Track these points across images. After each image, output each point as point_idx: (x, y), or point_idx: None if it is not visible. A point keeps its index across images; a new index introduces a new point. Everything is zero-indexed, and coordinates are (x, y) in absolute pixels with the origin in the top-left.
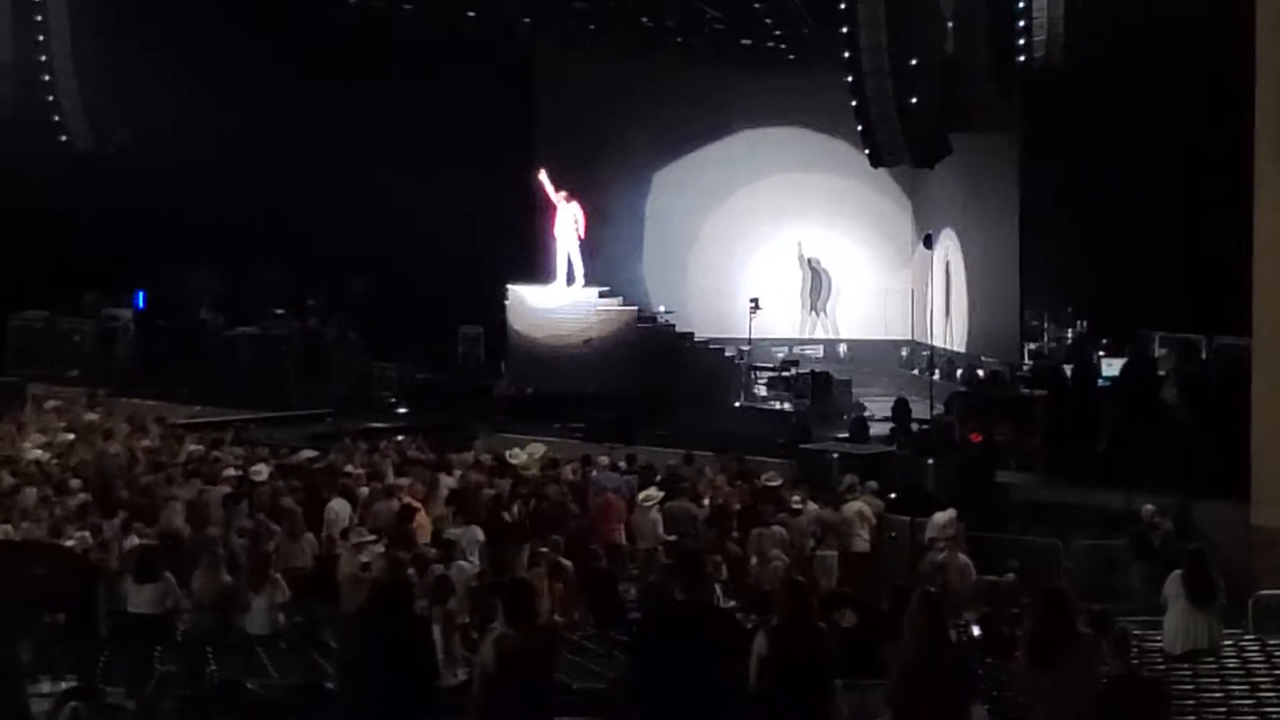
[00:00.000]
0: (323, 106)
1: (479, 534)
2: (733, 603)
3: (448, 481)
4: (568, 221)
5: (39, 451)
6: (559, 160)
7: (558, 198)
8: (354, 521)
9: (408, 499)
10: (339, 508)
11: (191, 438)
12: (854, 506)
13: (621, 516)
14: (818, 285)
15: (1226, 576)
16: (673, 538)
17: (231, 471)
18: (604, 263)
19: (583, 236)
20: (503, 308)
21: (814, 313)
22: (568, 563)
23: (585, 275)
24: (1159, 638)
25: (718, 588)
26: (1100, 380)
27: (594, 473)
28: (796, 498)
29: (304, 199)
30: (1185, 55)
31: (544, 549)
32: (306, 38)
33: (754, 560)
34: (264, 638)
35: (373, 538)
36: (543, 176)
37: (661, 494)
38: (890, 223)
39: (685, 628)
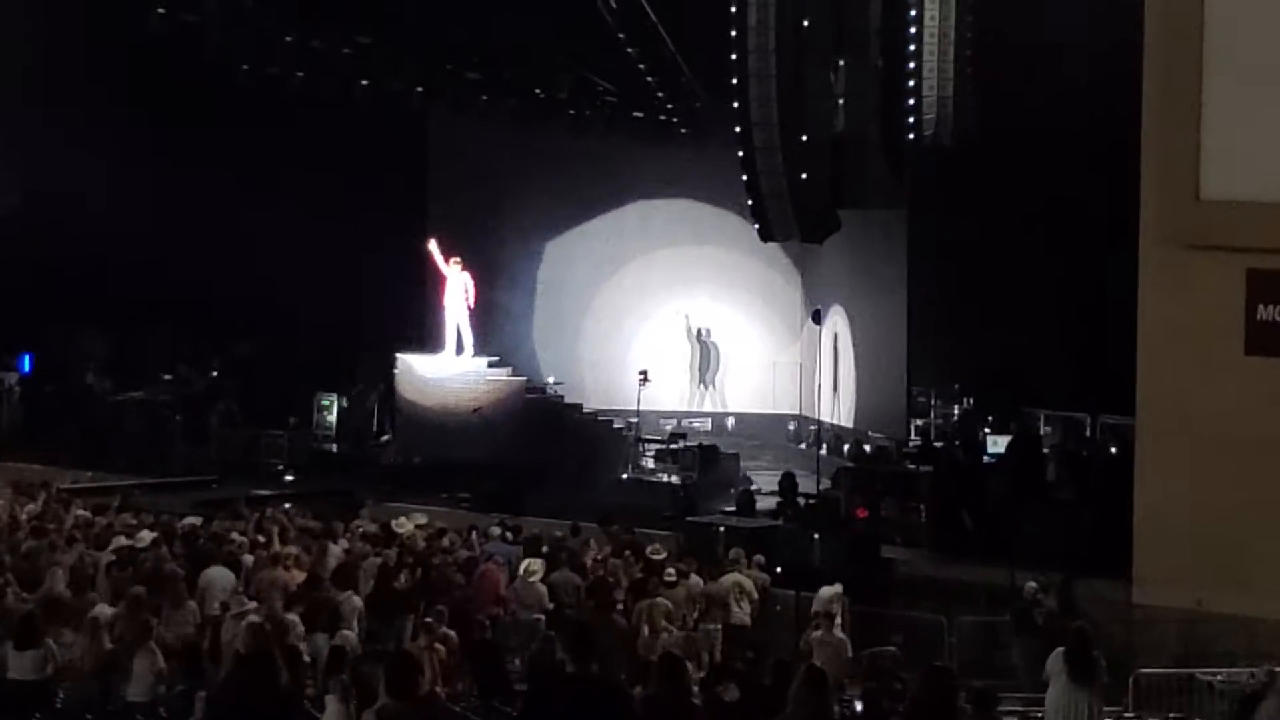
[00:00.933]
0: (215, 173)
1: (358, 603)
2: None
3: (335, 550)
4: (457, 290)
5: None
6: (450, 229)
7: (448, 267)
8: (237, 590)
9: (293, 569)
10: (216, 575)
11: (76, 503)
12: (732, 578)
13: (502, 587)
14: (706, 358)
15: (1108, 654)
16: (551, 607)
17: (123, 540)
18: (494, 333)
19: (472, 306)
20: (391, 375)
21: (702, 386)
22: (451, 632)
23: (475, 345)
24: (1040, 715)
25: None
26: (986, 457)
27: (485, 544)
28: (670, 570)
29: (194, 265)
30: (1074, 136)
31: (428, 619)
32: (202, 105)
33: (645, 632)
34: (144, 705)
35: (253, 605)
36: (433, 245)
37: (544, 564)
38: (779, 297)
39: (574, 700)
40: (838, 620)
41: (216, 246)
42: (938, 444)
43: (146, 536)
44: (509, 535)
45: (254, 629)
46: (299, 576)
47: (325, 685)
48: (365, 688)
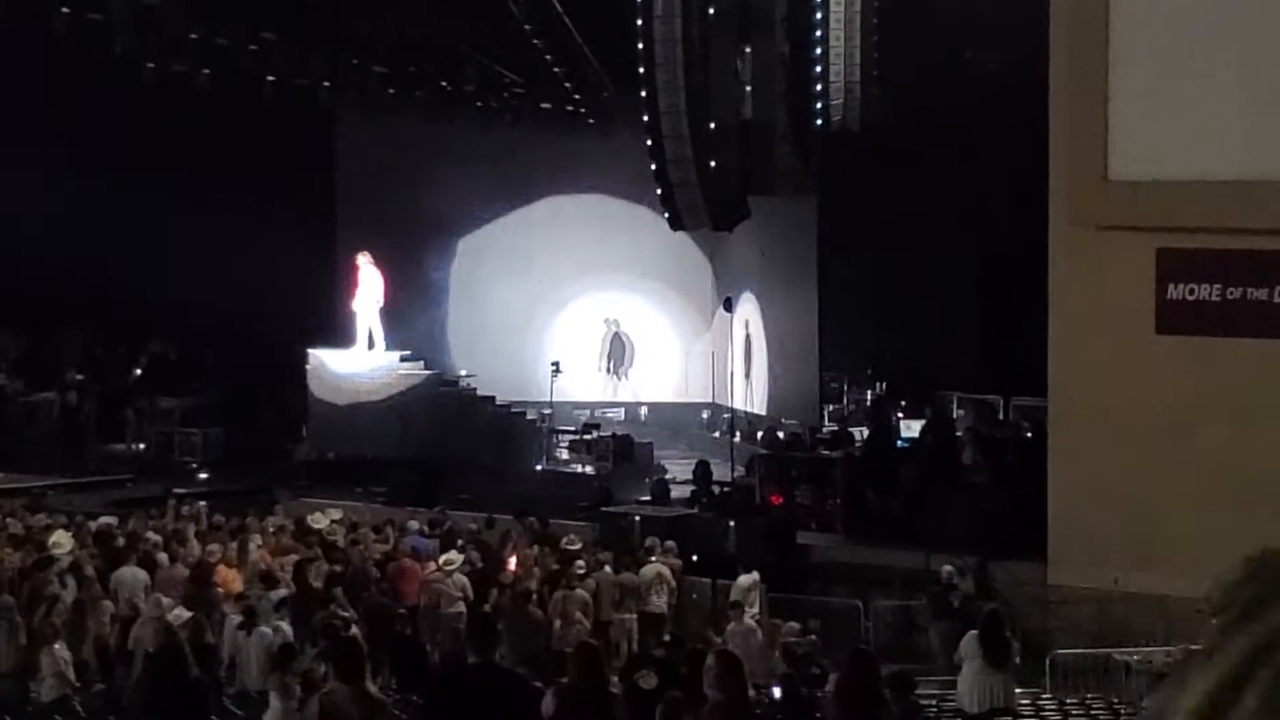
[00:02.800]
0: (125, 171)
1: (279, 596)
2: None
3: (252, 547)
4: (369, 286)
5: None
6: (359, 224)
7: (359, 261)
8: (149, 589)
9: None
10: (129, 575)
11: None
12: (652, 569)
13: (419, 580)
14: (619, 349)
15: (1025, 636)
16: (469, 598)
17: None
18: (406, 327)
19: (382, 301)
20: (303, 371)
21: (615, 376)
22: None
23: (385, 339)
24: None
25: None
26: (900, 441)
27: (402, 538)
28: (581, 562)
29: (106, 261)
30: (982, 120)
31: (344, 613)
32: (108, 102)
33: (557, 623)
34: (59, 704)
35: (169, 603)
36: (363, 258)
37: (462, 558)
38: (691, 286)
39: (476, 690)
40: (752, 610)
41: (126, 245)
42: (851, 429)
43: (64, 538)
44: (425, 529)
45: (161, 627)
46: (229, 574)
47: (265, 681)
48: (308, 680)
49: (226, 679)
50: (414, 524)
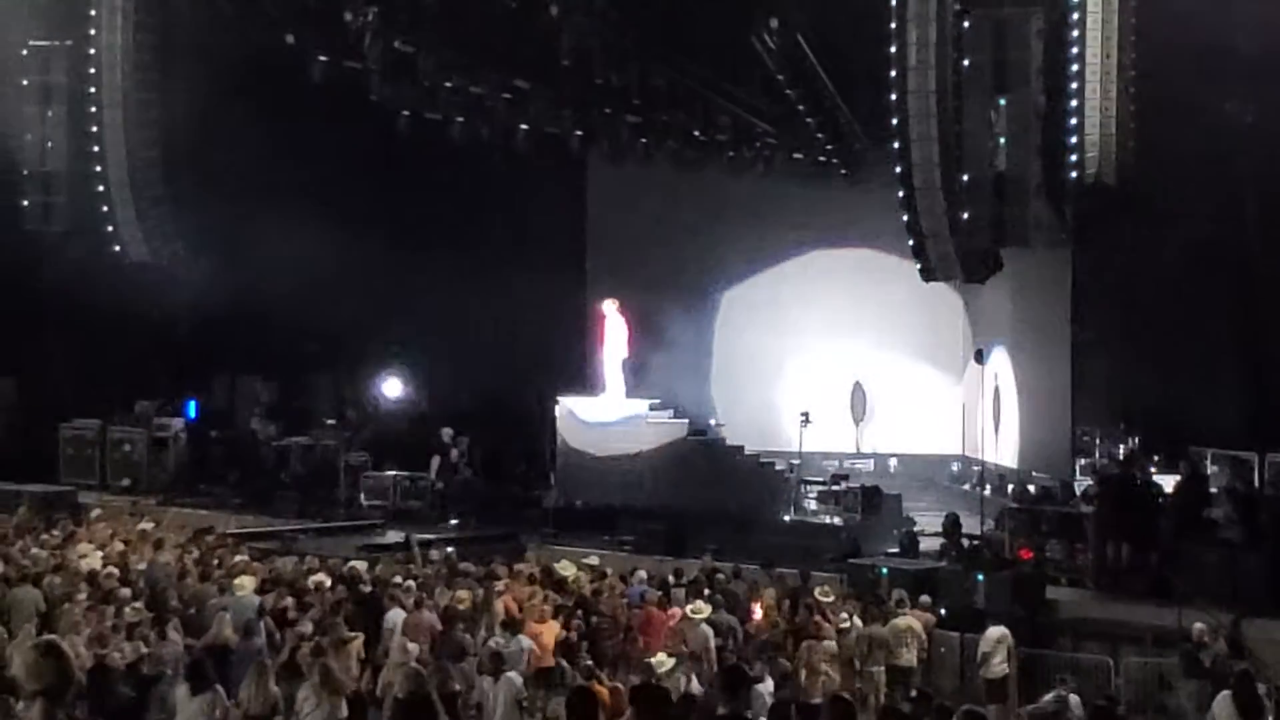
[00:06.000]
0: (376, 218)
1: (526, 644)
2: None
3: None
4: (615, 333)
5: (89, 560)
6: (610, 272)
7: (605, 308)
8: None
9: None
10: (393, 618)
11: (242, 548)
12: (904, 621)
13: (665, 628)
14: (868, 399)
15: (1277, 696)
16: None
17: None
18: (655, 375)
19: (626, 350)
20: (553, 419)
21: (864, 426)
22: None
23: (635, 387)
24: None
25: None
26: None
27: (631, 588)
28: (844, 614)
29: (357, 309)
30: (1237, 174)
31: (586, 661)
32: (362, 150)
33: (803, 674)
34: None
35: (415, 648)
36: (607, 305)
37: (709, 607)
38: (942, 337)
39: None
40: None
41: (376, 293)
42: (1107, 485)
43: (326, 580)
44: (670, 579)
45: (411, 673)
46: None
47: None
48: None
49: None
50: (641, 573)
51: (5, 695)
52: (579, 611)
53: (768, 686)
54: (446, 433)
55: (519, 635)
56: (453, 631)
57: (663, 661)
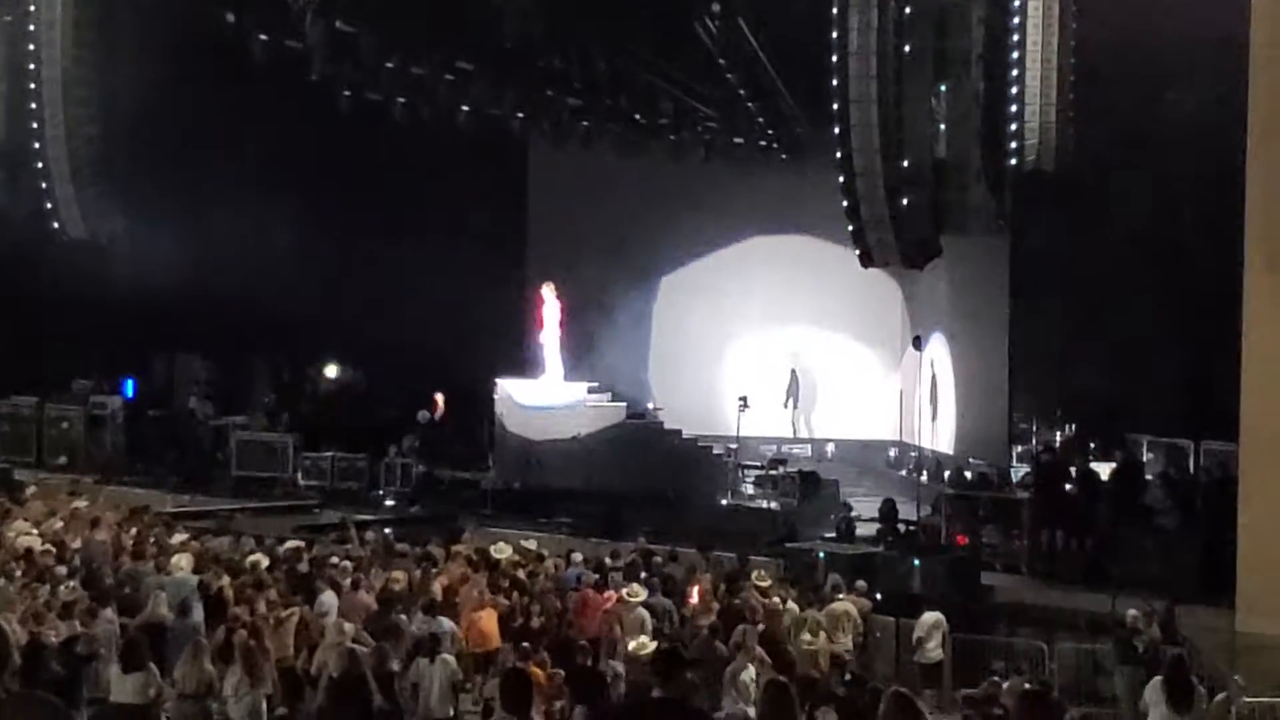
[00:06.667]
0: (317, 198)
1: (451, 626)
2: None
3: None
4: (553, 314)
5: (26, 539)
6: (550, 255)
7: (544, 292)
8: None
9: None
10: (328, 600)
11: (179, 527)
12: (841, 606)
13: (600, 611)
14: (806, 385)
15: (1210, 683)
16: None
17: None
18: (593, 359)
19: (559, 333)
20: (491, 401)
21: (801, 412)
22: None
23: (575, 370)
24: None
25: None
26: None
27: (566, 570)
28: (776, 598)
29: (295, 288)
30: (1177, 162)
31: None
32: (303, 130)
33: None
34: None
35: (352, 628)
36: (546, 289)
37: (645, 590)
38: (880, 324)
39: None
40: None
41: (313, 272)
42: (1044, 471)
43: (262, 560)
44: (608, 561)
45: (345, 653)
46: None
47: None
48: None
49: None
50: (578, 556)
51: None
52: (514, 594)
53: (750, 674)
54: (424, 415)
55: (440, 618)
56: (387, 612)
57: (644, 644)
